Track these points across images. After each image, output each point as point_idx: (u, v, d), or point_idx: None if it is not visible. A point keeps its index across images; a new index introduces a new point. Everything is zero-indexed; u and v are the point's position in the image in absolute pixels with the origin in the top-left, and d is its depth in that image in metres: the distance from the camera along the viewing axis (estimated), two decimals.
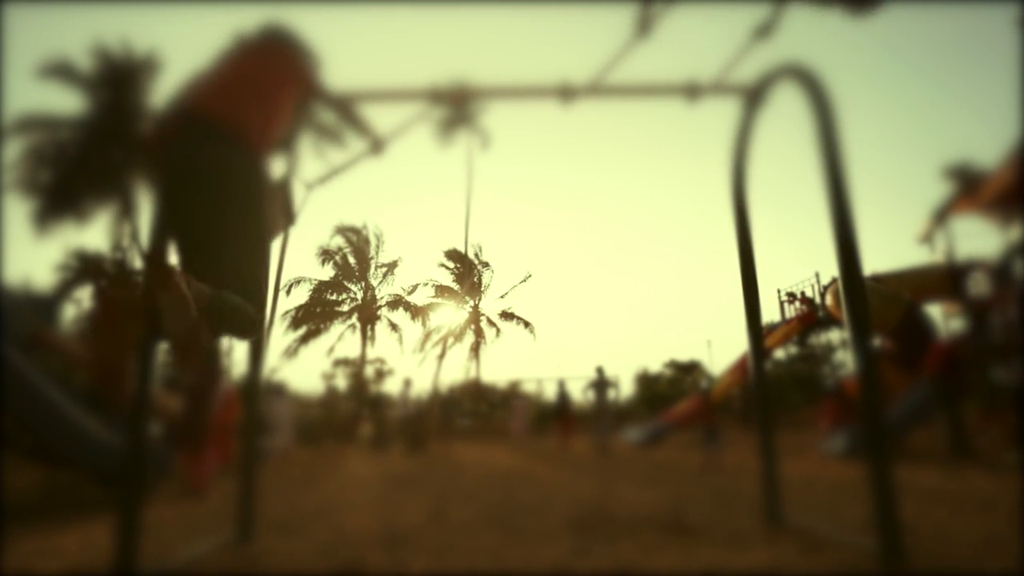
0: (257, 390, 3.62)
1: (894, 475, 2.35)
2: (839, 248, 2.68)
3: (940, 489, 4.47)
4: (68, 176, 14.91)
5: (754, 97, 3.26)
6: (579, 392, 14.75)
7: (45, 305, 7.49)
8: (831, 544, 2.73)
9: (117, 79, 15.09)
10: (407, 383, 13.86)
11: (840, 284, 2.72)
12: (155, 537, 3.33)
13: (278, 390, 12.36)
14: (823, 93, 2.79)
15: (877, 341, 8.29)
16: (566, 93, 3.01)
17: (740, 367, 12.40)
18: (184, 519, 4.17)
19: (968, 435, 7.28)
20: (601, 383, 12.33)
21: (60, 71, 14.72)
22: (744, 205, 3.74)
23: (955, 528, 3.01)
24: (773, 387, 3.77)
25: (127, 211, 15.93)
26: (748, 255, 3.73)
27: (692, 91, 3.09)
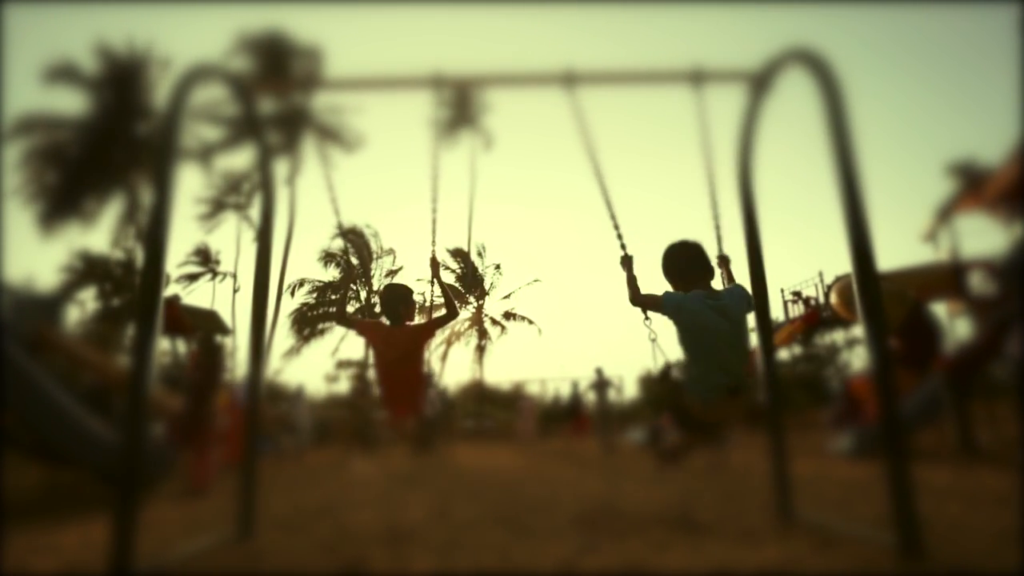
0: (259, 390, 3.58)
1: (911, 471, 2.29)
2: (851, 242, 2.58)
3: (952, 486, 4.39)
4: (72, 177, 14.93)
5: (760, 84, 3.19)
6: (582, 392, 14.69)
7: (49, 305, 7.48)
8: (846, 540, 2.67)
9: (121, 79, 15.10)
10: (431, 384, 13.81)
11: (854, 280, 2.64)
12: (156, 535, 3.29)
13: (298, 392, 12.70)
14: (833, 80, 2.71)
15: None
16: (569, 80, 2.96)
17: (745, 367, 12.31)
18: (186, 517, 4.12)
19: (975, 433, 7.20)
20: (601, 383, 12.34)
21: (64, 73, 14.74)
22: (751, 198, 3.66)
23: (971, 524, 2.94)
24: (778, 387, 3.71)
25: (132, 212, 15.94)
26: (756, 251, 3.63)
27: (697, 78, 3.03)
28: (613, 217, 2.86)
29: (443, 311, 3.18)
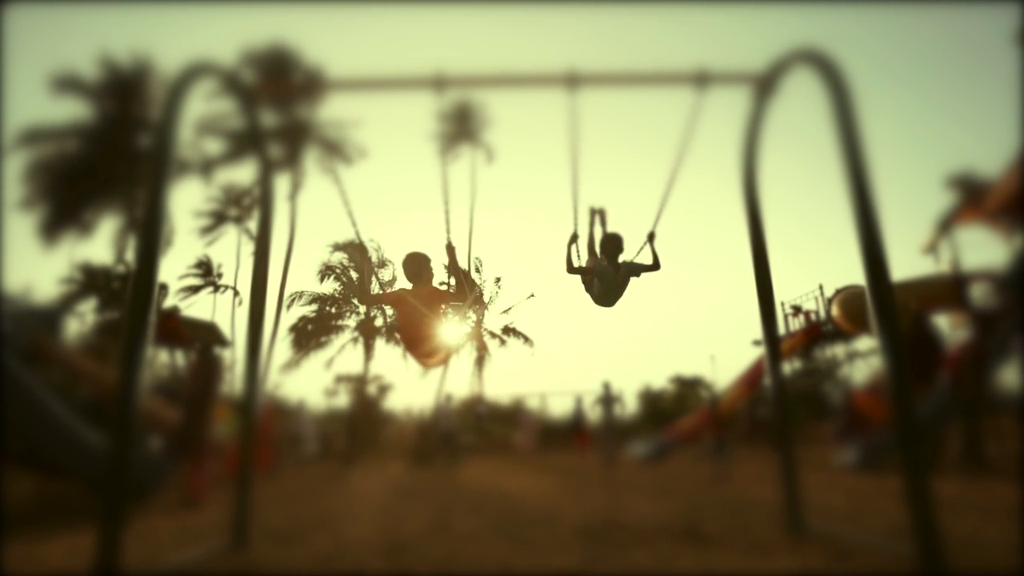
0: (254, 402, 3.51)
1: (930, 482, 2.21)
2: (864, 249, 2.49)
3: (964, 498, 4.30)
4: (74, 187, 14.93)
5: (765, 86, 3.15)
6: (586, 407, 14.63)
7: (48, 317, 7.41)
8: (859, 550, 2.58)
9: (123, 89, 15.16)
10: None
11: (867, 288, 2.56)
12: (150, 545, 3.20)
13: (299, 406, 13.01)
14: (842, 81, 2.65)
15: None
16: (572, 81, 2.92)
17: (747, 381, 12.19)
18: (181, 528, 4.02)
19: (984, 446, 7.09)
20: (608, 398, 12.32)
21: (66, 83, 14.81)
22: (756, 203, 3.61)
23: (988, 536, 2.86)
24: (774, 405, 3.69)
25: (132, 224, 15.91)
26: (762, 258, 3.57)
27: (701, 79, 2.99)
28: (575, 203, 3.45)
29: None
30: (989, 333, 7.30)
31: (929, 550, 2.09)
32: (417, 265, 3.60)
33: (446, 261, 3.56)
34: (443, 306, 3.62)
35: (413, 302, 3.47)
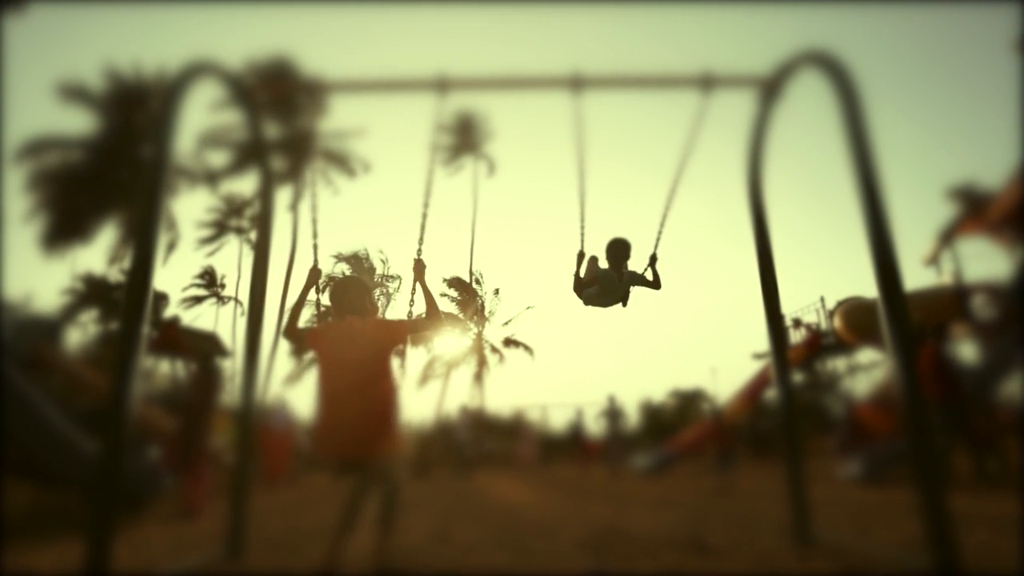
0: (252, 411, 3.46)
1: (946, 495, 2.15)
2: (875, 256, 2.44)
3: (973, 511, 4.21)
4: (76, 198, 14.98)
5: (771, 89, 3.13)
6: (589, 420, 14.62)
7: (49, 326, 7.39)
8: (871, 560, 2.51)
9: (128, 100, 15.27)
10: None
11: (879, 298, 2.52)
12: (145, 555, 3.13)
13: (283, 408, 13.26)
14: (852, 84, 2.60)
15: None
16: (576, 84, 2.91)
17: (749, 394, 12.11)
18: (176, 538, 3.95)
19: (989, 461, 7.00)
20: (613, 411, 12.31)
21: (74, 93, 14.92)
22: (762, 209, 3.57)
23: (1004, 549, 2.78)
24: (780, 415, 3.62)
25: (133, 233, 15.96)
26: (768, 267, 3.52)
27: (706, 83, 2.97)
28: (582, 217, 3.36)
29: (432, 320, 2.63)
30: (944, 338, 7.23)
31: (945, 560, 2.03)
32: (348, 295, 2.58)
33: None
34: (394, 349, 2.53)
35: (341, 350, 2.40)
